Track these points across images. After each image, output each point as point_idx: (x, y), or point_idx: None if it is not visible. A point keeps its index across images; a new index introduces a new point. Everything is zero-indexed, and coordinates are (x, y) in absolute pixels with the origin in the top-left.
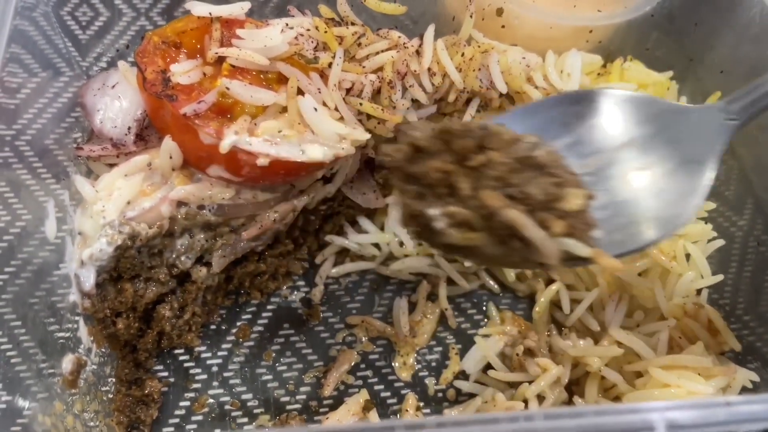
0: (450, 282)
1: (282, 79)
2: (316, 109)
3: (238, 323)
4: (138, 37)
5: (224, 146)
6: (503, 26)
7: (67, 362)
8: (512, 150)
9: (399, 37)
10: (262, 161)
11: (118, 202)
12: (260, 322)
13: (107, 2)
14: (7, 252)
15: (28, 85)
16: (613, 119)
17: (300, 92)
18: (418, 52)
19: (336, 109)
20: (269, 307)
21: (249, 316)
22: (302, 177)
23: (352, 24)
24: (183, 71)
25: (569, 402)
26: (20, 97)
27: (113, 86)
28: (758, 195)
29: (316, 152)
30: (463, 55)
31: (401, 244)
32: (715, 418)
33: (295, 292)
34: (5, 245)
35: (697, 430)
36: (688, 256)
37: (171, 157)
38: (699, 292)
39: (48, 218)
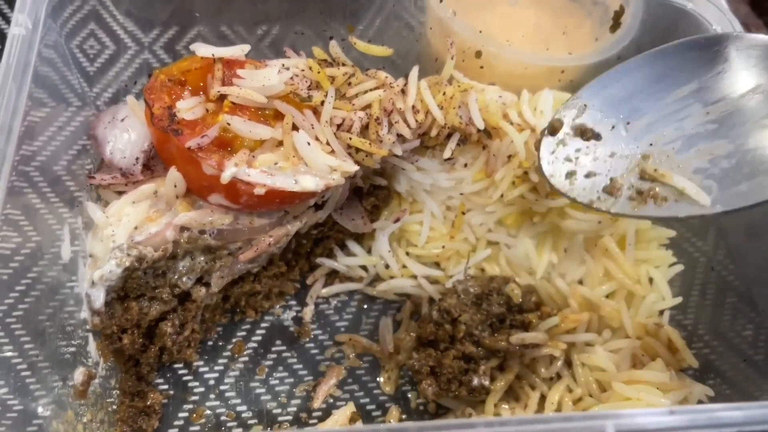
0: (432, 301)
1: (278, 115)
2: (309, 144)
3: (234, 340)
4: (142, 70)
5: (225, 177)
6: (482, 66)
7: (79, 374)
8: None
9: (386, 77)
10: (259, 190)
11: (126, 227)
12: (254, 338)
13: (113, 36)
14: (23, 272)
15: (40, 115)
16: (740, 65)
17: (295, 127)
18: (403, 91)
19: (327, 143)
20: (263, 324)
21: (244, 333)
22: (296, 204)
23: (343, 65)
24: (188, 108)
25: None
26: (34, 126)
27: (122, 119)
28: (719, 222)
29: (308, 182)
30: (444, 93)
31: (387, 266)
32: (659, 425)
33: (288, 311)
34: (22, 266)
35: None
36: (651, 279)
37: (175, 186)
38: (661, 312)
39: (63, 242)
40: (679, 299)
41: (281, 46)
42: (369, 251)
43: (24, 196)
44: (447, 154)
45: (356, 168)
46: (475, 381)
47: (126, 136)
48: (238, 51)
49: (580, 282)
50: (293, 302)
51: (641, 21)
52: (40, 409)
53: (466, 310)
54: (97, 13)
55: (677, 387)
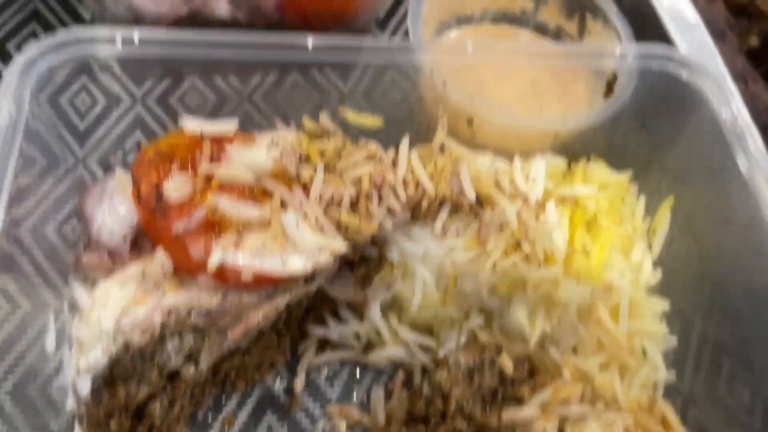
0: (424, 370)
1: (267, 193)
2: (297, 224)
3: (224, 411)
4: (135, 124)
5: (212, 264)
6: (474, 133)
7: None
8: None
9: (376, 149)
10: (246, 276)
11: (113, 311)
12: (245, 409)
13: (104, 90)
14: (11, 362)
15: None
16: None
17: (283, 205)
18: (394, 163)
19: (316, 220)
20: (253, 395)
21: (234, 405)
22: (285, 283)
23: (333, 136)
24: (175, 188)
25: None
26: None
27: (111, 195)
28: (715, 280)
29: (297, 264)
30: (435, 164)
31: (379, 334)
32: None
33: (279, 380)
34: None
35: None
36: (645, 351)
37: (162, 266)
38: (655, 385)
39: (49, 330)
40: (672, 374)
41: (276, 97)
42: (361, 317)
43: (16, 266)
44: (438, 227)
45: (344, 248)
46: None
47: (114, 213)
48: (226, 127)
49: (575, 350)
50: (284, 371)
51: (635, 88)
52: None
53: (457, 384)
54: (88, 68)
55: None
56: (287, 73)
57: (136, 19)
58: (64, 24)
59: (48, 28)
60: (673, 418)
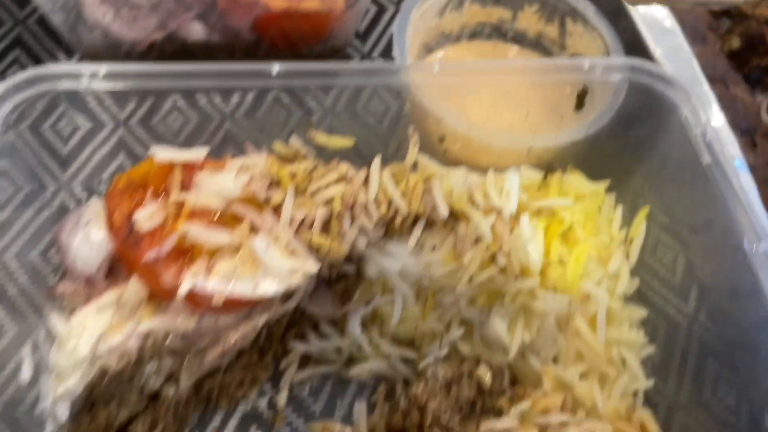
0: (406, 383)
1: (238, 217)
2: (267, 248)
3: (209, 429)
4: (119, 147)
5: (181, 292)
6: (446, 150)
7: None
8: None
9: (347, 169)
10: (216, 301)
11: (89, 339)
12: (229, 426)
13: (88, 114)
14: None
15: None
16: None
17: (254, 229)
18: (366, 182)
19: (287, 243)
20: (237, 412)
21: (218, 423)
22: (261, 304)
23: (304, 159)
24: (146, 216)
25: None
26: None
27: (86, 224)
28: (701, 281)
29: (268, 287)
30: (407, 182)
31: (360, 348)
32: None
33: (262, 397)
34: None
35: None
36: (624, 360)
37: (137, 293)
38: (636, 393)
39: (25, 362)
40: (651, 382)
41: (257, 115)
42: (342, 331)
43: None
44: (412, 244)
45: (316, 268)
46: None
47: (88, 243)
48: (196, 154)
49: (555, 360)
50: (267, 386)
51: (607, 102)
52: None
53: (434, 396)
54: (69, 94)
55: None
56: (267, 92)
57: (113, 45)
58: (47, 50)
59: (31, 54)
60: (653, 426)
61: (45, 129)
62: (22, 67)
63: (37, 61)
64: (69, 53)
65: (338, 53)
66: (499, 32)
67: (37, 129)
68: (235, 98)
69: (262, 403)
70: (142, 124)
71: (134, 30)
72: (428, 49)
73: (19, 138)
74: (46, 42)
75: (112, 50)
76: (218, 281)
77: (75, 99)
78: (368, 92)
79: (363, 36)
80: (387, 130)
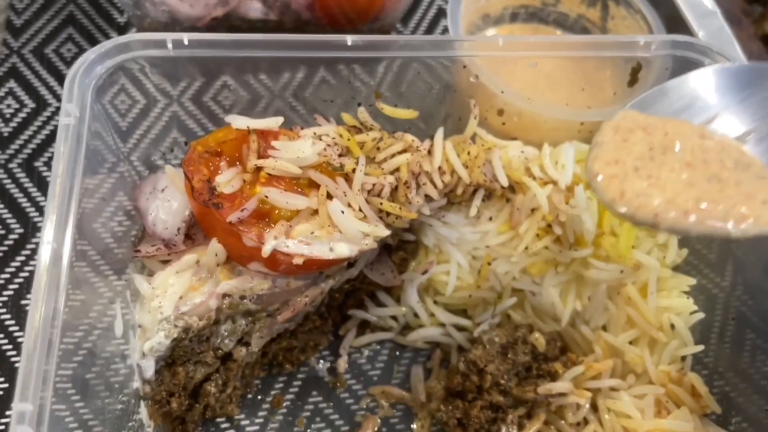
0: (461, 349)
1: (312, 183)
2: (343, 212)
3: (272, 393)
4: (172, 122)
5: (266, 251)
6: (504, 123)
7: None
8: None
9: (412, 140)
10: (297, 261)
11: (172, 298)
12: (292, 390)
13: (143, 90)
14: (78, 343)
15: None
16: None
17: (329, 196)
18: (429, 153)
19: (360, 209)
20: (299, 376)
21: (281, 386)
22: (331, 268)
23: (371, 129)
24: (226, 181)
25: None
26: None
27: (162, 190)
28: (737, 257)
29: (343, 250)
30: (468, 153)
31: (416, 315)
32: None
33: (322, 362)
34: (77, 339)
35: None
36: (673, 326)
37: (216, 255)
38: (683, 358)
39: (116, 318)
40: (701, 347)
41: (305, 94)
42: (398, 300)
43: (77, 268)
44: (473, 212)
45: (388, 232)
46: (504, 430)
47: (167, 206)
48: (272, 123)
49: (604, 328)
50: (327, 353)
51: (659, 76)
52: None
53: (492, 360)
54: (127, 70)
55: None
56: (316, 70)
57: (173, 21)
58: (98, 27)
59: (83, 32)
60: (702, 388)
61: (107, 104)
62: (76, 44)
63: (90, 38)
64: (120, 31)
65: (387, 33)
66: (539, 15)
67: (102, 105)
68: (285, 76)
69: (323, 368)
70: (194, 101)
71: (197, 6)
72: (472, 30)
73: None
74: (98, 19)
75: (172, 27)
76: (297, 243)
77: (132, 75)
78: (426, 66)
79: (404, 20)
80: (445, 103)
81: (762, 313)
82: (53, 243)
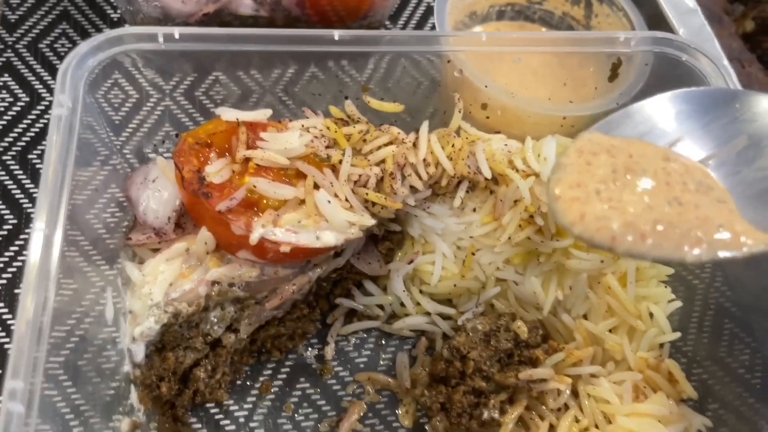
0: (446, 337)
1: (300, 174)
2: (329, 202)
3: (261, 379)
4: (164, 117)
5: (254, 239)
6: (488, 117)
7: (125, 424)
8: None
9: (398, 132)
10: (284, 248)
11: (162, 285)
12: (280, 377)
13: (135, 85)
14: (71, 330)
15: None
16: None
17: (315, 186)
18: (414, 145)
19: (346, 199)
20: (287, 363)
21: (270, 373)
22: (318, 257)
23: (358, 122)
24: (215, 171)
25: None
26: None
27: (153, 180)
28: None
29: (329, 238)
30: (453, 145)
31: (402, 304)
32: None
33: (310, 350)
34: (69, 326)
35: None
36: (651, 314)
37: (206, 243)
38: (662, 346)
39: (107, 304)
40: (678, 334)
41: (295, 89)
42: (385, 290)
43: (68, 257)
44: (457, 203)
45: (373, 222)
46: (486, 414)
47: (157, 196)
48: (260, 115)
49: (585, 317)
50: (315, 340)
51: (639, 72)
52: None
53: (475, 347)
54: (119, 65)
55: (677, 419)
56: (306, 65)
57: (165, 17)
58: (92, 23)
59: (77, 27)
60: (679, 374)
61: (100, 98)
62: (70, 39)
63: (84, 33)
64: (113, 26)
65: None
66: (525, 13)
67: (94, 98)
68: (276, 72)
69: (311, 355)
70: (186, 96)
71: (188, 3)
72: (459, 27)
73: (87, 105)
74: (91, 15)
75: (164, 23)
76: (285, 231)
77: (125, 70)
78: (412, 62)
79: (393, 17)
80: (430, 98)
81: (740, 304)
82: (45, 229)
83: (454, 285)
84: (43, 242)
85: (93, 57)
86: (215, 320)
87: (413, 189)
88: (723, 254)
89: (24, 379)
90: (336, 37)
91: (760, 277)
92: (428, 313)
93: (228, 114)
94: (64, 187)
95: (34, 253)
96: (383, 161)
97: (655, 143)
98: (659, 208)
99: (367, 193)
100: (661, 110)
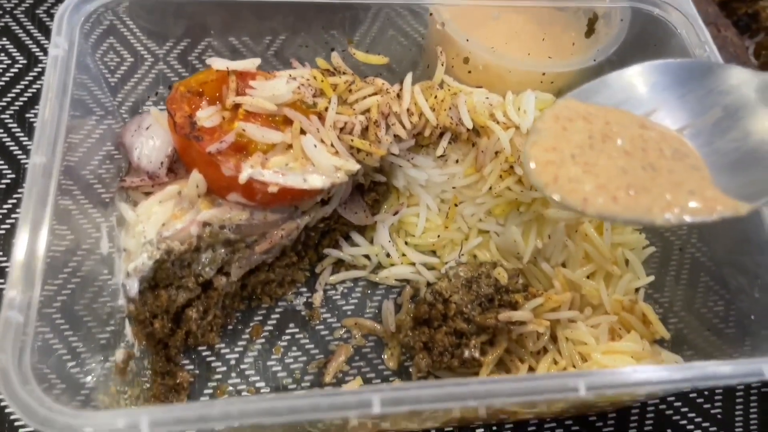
0: (429, 285)
1: (287, 121)
2: (315, 146)
3: (252, 324)
4: (158, 80)
5: (242, 178)
6: (469, 71)
7: (120, 354)
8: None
9: (383, 83)
10: (272, 189)
11: (155, 224)
12: (270, 322)
13: (131, 49)
14: (72, 269)
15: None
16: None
17: (302, 132)
18: (398, 96)
19: (332, 145)
20: (277, 309)
21: (260, 318)
22: (305, 200)
23: (344, 73)
24: (206, 116)
25: None
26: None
27: (147, 128)
28: None
29: (316, 181)
30: (436, 97)
31: (388, 255)
32: (622, 381)
33: (299, 297)
34: (71, 263)
35: (610, 390)
36: (627, 261)
37: (197, 186)
38: (637, 290)
39: (102, 239)
40: (652, 278)
41: (285, 54)
42: (371, 241)
43: (61, 203)
44: (440, 151)
45: (358, 167)
46: (467, 353)
47: (151, 143)
48: (249, 64)
49: (563, 265)
50: (304, 289)
51: (616, 28)
52: (87, 380)
53: (456, 291)
54: (115, 28)
55: (649, 355)
56: (295, 29)
57: None
58: None
59: None
60: (653, 316)
61: (98, 59)
62: None
63: None
64: None
65: None
66: None
67: (91, 58)
68: (266, 38)
69: (300, 302)
70: (180, 60)
71: None
72: None
73: (83, 51)
74: None
75: None
76: (273, 173)
77: (120, 34)
78: (397, 16)
79: None
80: (415, 52)
81: (715, 259)
82: (42, 158)
83: (438, 236)
84: (42, 172)
85: (89, 3)
86: (206, 261)
87: (397, 138)
88: (692, 218)
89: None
90: None
91: (734, 233)
92: (413, 263)
93: (219, 63)
94: (62, 122)
95: (31, 178)
96: (368, 110)
97: (632, 112)
98: (633, 172)
99: (352, 140)
100: (638, 80)
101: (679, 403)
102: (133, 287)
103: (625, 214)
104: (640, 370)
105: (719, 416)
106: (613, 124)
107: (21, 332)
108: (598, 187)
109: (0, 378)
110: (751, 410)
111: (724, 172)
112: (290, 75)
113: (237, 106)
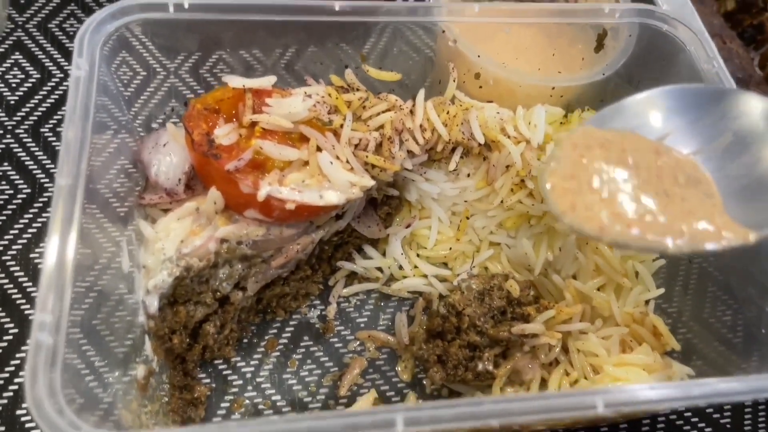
0: (442, 298)
1: (303, 138)
2: (331, 163)
3: (267, 337)
4: (170, 93)
5: (261, 195)
6: (480, 87)
7: (141, 370)
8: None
9: (396, 100)
10: (289, 206)
11: (174, 241)
12: (284, 335)
13: (143, 64)
14: (89, 282)
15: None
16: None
17: (318, 149)
18: (411, 112)
19: (347, 161)
20: (292, 322)
21: (275, 331)
22: (320, 216)
23: (357, 90)
24: (224, 134)
25: None
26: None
27: (164, 144)
28: None
29: (332, 197)
30: (448, 112)
31: (400, 267)
32: (640, 399)
33: (313, 310)
34: (87, 277)
35: (627, 407)
36: (637, 273)
37: (215, 203)
38: (647, 302)
39: (122, 257)
40: (662, 290)
41: (296, 68)
42: (384, 254)
43: (90, 216)
44: (452, 166)
45: (373, 182)
46: (480, 366)
47: (168, 159)
48: (266, 82)
49: (574, 277)
50: (318, 302)
51: (624, 44)
52: (106, 395)
53: (469, 303)
54: (129, 44)
55: (661, 368)
56: (308, 41)
57: None
58: (99, 4)
59: (85, 8)
60: (663, 327)
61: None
62: (78, 19)
63: (92, 13)
64: None
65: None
66: None
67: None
68: (278, 50)
69: (314, 315)
70: (191, 74)
71: None
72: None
73: (102, 70)
74: None
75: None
76: (290, 190)
77: (132, 49)
78: (410, 31)
79: None
80: (425, 65)
81: (721, 268)
82: (68, 180)
83: (450, 248)
84: (68, 193)
85: (109, 24)
86: (224, 277)
87: (410, 153)
88: (703, 246)
89: (53, 312)
90: (337, 8)
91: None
92: (425, 275)
93: (235, 81)
94: (85, 143)
95: (58, 195)
96: (382, 126)
97: (647, 137)
98: (648, 200)
99: (366, 156)
100: (652, 106)
101: (689, 413)
102: (153, 304)
103: (639, 242)
104: (658, 387)
105: (728, 426)
106: (629, 151)
107: (51, 355)
108: (614, 215)
109: (32, 403)
110: (760, 420)
111: (736, 198)
112: (305, 92)
113: (254, 123)
